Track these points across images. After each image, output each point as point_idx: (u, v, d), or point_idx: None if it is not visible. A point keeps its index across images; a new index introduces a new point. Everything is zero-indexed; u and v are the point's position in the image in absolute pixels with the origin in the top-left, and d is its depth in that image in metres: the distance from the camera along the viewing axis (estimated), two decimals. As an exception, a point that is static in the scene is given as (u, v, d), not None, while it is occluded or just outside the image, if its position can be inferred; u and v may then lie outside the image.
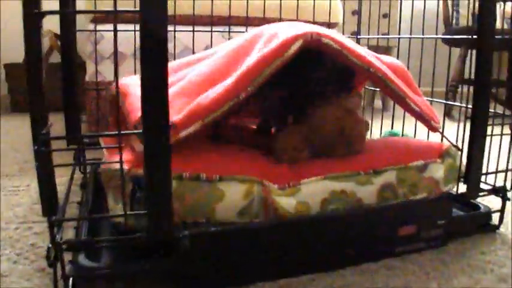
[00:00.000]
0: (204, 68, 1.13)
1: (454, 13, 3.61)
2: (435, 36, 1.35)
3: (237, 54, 1.12)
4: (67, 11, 0.99)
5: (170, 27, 1.65)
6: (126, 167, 0.90)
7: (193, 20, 1.65)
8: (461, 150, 1.20)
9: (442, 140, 1.26)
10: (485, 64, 1.12)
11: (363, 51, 1.11)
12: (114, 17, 0.75)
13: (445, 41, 3.27)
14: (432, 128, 1.21)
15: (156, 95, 0.76)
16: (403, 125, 1.49)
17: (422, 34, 1.40)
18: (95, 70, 2.01)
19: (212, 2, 1.67)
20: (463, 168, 1.19)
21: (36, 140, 0.81)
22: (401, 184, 1.10)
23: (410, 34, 1.47)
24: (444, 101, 1.35)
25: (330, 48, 1.04)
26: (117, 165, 0.88)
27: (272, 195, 0.99)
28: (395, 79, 1.14)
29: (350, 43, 1.09)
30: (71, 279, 0.85)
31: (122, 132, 0.79)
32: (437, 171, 1.15)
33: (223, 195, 0.94)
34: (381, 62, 1.16)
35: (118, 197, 0.93)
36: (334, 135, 1.14)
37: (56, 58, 3.09)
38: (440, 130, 1.22)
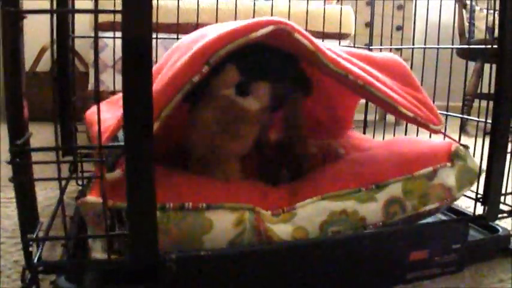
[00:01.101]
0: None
1: (470, 26, 3.58)
2: (451, 46, 1.29)
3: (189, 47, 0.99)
4: (50, 10, 0.92)
5: (173, 36, 1.61)
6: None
7: (196, 29, 1.61)
8: (480, 168, 1.13)
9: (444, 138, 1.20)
10: (507, 76, 1.06)
11: (340, 56, 1.01)
12: (95, 17, 0.69)
13: (460, 54, 3.22)
14: (432, 131, 1.12)
15: (139, 107, 0.70)
16: (417, 135, 1.43)
17: (437, 50, 1.34)
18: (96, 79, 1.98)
19: (217, 11, 1.63)
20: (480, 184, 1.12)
21: (11, 149, 0.77)
22: (408, 196, 1.03)
23: (425, 49, 1.41)
24: (460, 115, 1.29)
25: (301, 46, 0.94)
26: (96, 197, 0.82)
27: (265, 223, 0.92)
28: (381, 85, 1.04)
29: (325, 47, 1.00)
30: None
31: (103, 145, 0.72)
32: (448, 176, 1.08)
33: (211, 225, 0.87)
34: (367, 61, 1.07)
35: (98, 233, 0.86)
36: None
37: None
38: (442, 130, 1.14)
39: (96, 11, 0.68)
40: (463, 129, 3.19)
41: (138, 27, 0.67)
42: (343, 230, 0.96)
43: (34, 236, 0.81)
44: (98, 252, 0.84)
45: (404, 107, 1.04)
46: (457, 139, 1.16)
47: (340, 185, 1.01)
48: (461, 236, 1.05)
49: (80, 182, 1.48)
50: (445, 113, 1.27)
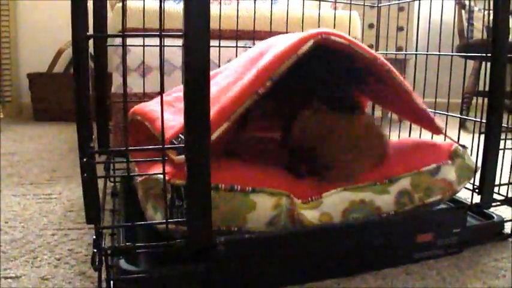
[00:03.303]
0: (221, 81, 1.20)
1: (468, 26, 3.66)
2: (450, 53, 1.40)
3: (251, 64, 1.17)
4: (113, 35, 1.05)
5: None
6: (166, 177, 0.96)
7: (219, 35, 1.70)
8: (476, 165, 1.25)
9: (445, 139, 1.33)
10: (499, 80, 1.16)
11: (370, 49, 1.16)
12: (160, 39, 0.82)
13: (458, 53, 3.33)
14: (436, 130, 1.27)
15: (198, 112, 0.84)
16: (420, 136, 1.53)
17: (439, 51, 1.45)
18: (121, 82, 2.07)
19: (238, 18, 1.73)
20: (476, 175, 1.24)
21: (84, 152, 0.87)
22: (416, 189, 1.15)
23: (427, 50, 1.51)
24: (459, 116, 1.40)
25: (338, 44, 1.10)
26: (157, 175, 0.96)
27: (297, 208, 1.05)
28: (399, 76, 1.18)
29: (358, 42, 1.15)
30: (112, 282, 0.92)
31: (166, 146, 0.86)
32: (450, 172, 1.21)
33: (254, 205, 1.01)
34: None
35: (157, 206, 1.00)
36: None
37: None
38: (448, 136, 1.27)
39: (161, 35, 0.82)
40: (463, 126, 3.30)
41: (198, 49, 0.81)
42: (362, 216, 1.10)
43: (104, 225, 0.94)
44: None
45: (417, 98, 1.19)
46: (456, 136, 1.28)
47: (359, 179, 1.14)
48: (461, 222, 1.17)
49: (111, 180, 1.59)
50: (445, 113, 1.39)
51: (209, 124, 0.85)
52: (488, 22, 1.22)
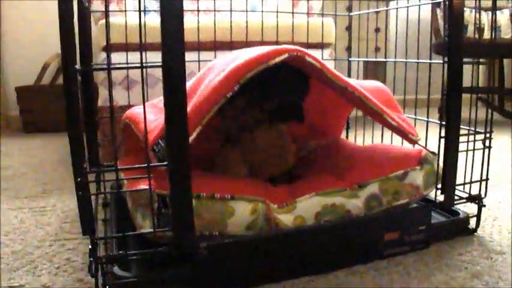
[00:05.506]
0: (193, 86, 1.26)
1: (446, 25, 3.73)
2: (417, 60, 1.48)
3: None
4: (98, 68, 1.13)
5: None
6: (152, 187, 1.05)
7: (198, 46, 1.79)
8: (438, 170, 1.32)
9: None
10: (456, 83, 1.23)
11: (341, 75, 1.23)
12: (141, 71, 0.91)
13: (435, 51, 3.42)
14: (410, 141, 1.32)
15: (178, 131, 0.92)
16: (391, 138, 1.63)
17: (405, 58, 1.54)
18: (107, 95, 2.13)
19: (215, 30, 1.82)
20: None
21: (78, 172, 0.96)
22: (384, 193, 1.23)
23: (395, 55, 1.61)
24: (414, 117, 1.49)
25: (312, 67, 1.17)
26: (145, 187, 1.05)
27: (273, 212, 1.14)
28: (373, 98, 1.25)
29: (330, 67, 1.21)
30: (107, 287, 1.01)
31: (151, 164, 0.95)
32: (417, 177, 1.28)
33: (233, 211, 1.10)
34: (359, 85, 1.27)
35: (146, 214, 1.09)
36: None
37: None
38: (419, 142, 1.33)
39: (142, 67, 0.90)
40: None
41: (175, 77, 0.90)
42: (334, 219, 1.18)
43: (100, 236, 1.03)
44: (146, 228, 1.08)
45: (389, 117, 1.26)
46: (424, 137, 1.36)
47: (330, 185, 1.23)
48: (426, 219, 1.25)
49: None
50: (413, 116, 1.48)
51: (188, 140, 0.94)
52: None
